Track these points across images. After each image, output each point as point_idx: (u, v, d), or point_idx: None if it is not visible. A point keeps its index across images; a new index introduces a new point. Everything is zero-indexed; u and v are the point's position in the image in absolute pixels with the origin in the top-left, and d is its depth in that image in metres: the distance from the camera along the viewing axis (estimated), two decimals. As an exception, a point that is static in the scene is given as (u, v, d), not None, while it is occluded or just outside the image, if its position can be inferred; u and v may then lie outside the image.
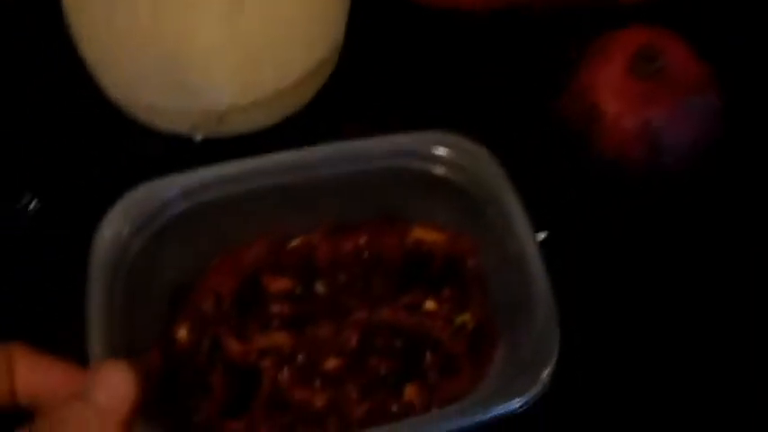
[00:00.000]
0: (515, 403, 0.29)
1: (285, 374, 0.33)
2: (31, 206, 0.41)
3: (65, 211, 0.41)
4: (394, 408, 0.33)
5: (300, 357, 0.34)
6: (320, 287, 0.37)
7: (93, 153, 0.43)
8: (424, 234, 0.39)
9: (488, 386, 0.33)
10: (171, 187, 0.33)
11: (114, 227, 0.32)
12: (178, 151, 0.42)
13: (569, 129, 0.40)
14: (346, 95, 0.45)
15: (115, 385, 0.26)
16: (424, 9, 0.47)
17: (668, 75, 0.35)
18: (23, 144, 0.44)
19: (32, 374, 0.27)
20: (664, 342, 0.38)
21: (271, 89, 0.40)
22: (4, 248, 0.40)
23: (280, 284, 0.36)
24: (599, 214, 0.41)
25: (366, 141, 0.36)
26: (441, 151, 0.36)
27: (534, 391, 0.29)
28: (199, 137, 0.42)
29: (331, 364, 0.34)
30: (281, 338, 0.35)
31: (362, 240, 0.38)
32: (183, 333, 0.35)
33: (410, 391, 0.34)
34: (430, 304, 0.37)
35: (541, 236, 0.36)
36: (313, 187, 0.36)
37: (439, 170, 0.36)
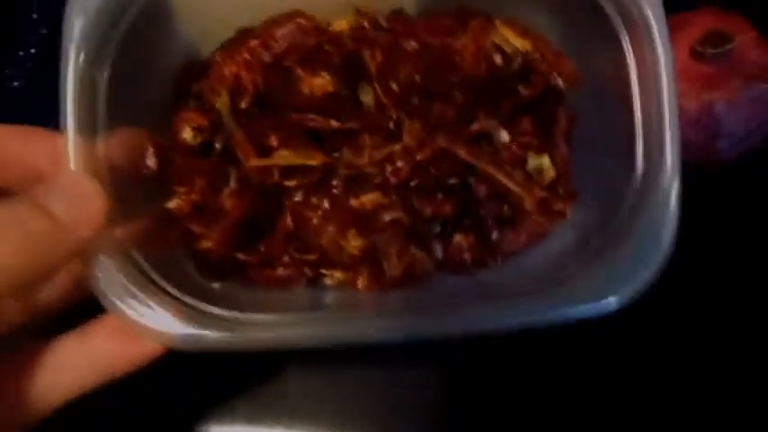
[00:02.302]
0: (610, 303, 0.23)
1: (311, 209, 0.27)
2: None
3: None
4: (439, 263, 0.27)
5: (334, 184, 0.27)
6: (366, 95, 0.28)
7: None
8: (512, 37, 0.29)
9: (556, 257, 0.27)
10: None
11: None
12: None
13: None
14: None
15: (80, 198, 0.21)
16: None
17: (735, 59, 0.34)
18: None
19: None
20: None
21: None
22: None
23: (317, 83, 0.28)
24: None
25: None
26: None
27: (634, 289, 0.23)
28: None
29: (370, 198, 0.27)
30: (311, 157, 0.27)
31: (428, 37, 0.29)
32: (187, 133, 0.27)
33: (461, 241, 0.28)
34: (503, 135, 0.29)
35: None
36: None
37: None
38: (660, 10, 0.24)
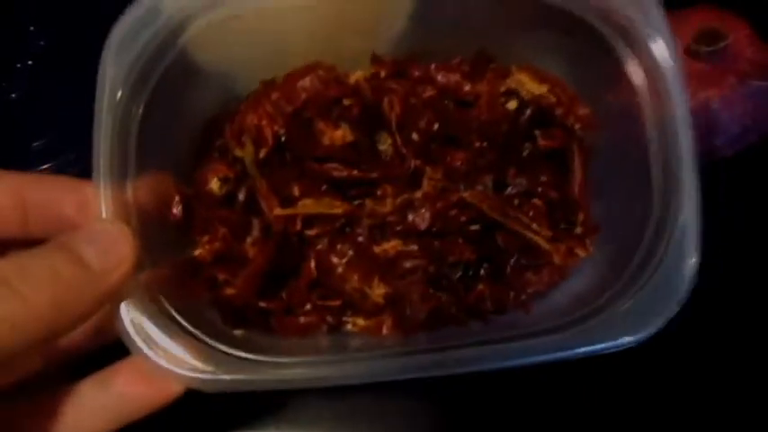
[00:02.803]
0: (625, 341, 0.23)
1: (337, 255, 0.27)
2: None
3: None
4: (461, 308, 0.27)
5: (358, 232, 0.28)
6: (385, 144, 0.29)
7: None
8: (528, 82, 0.30)
9: (576, 296, 0.27)
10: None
11: (133, 34, 0.24)
12: None
13: None
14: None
15: (110, 245, 0.22)
16: None
17: (730, 57, 0.34)
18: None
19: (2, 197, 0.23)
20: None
21: None
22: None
23: (337, 134, 0.29)
24: None
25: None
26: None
27: (652, 328, 0.23)
28: None
29: (392, 245, 0.28)
30: (334, 206, 0.28)
31: (445, 83, 0.30)
32: (214, 183, 0.28)
33: (482, 290, 0.28)
34: (520, 183, 0.29)
35: None
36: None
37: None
38: (672, 51, 0.24)
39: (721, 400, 0.31)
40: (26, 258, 0.20)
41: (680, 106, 0.24)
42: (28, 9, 0.40)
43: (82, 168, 0.35)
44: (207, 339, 0.23)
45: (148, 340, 0.22)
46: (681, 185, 0.23)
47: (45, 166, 0.37)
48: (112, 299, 0.22)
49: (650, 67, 0.25)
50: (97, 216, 0.23)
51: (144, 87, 0.24)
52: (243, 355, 0.23)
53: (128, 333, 0.22)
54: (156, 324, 0.22)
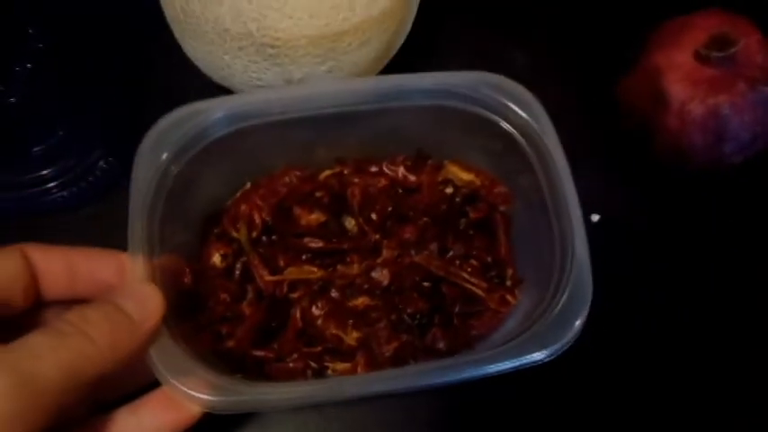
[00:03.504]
0: (541, 354, 0.29)
1: (318, 309, 0.34)
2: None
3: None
4: (420, 347, 0.34)
5: (333, 293, 0.35)
6: (350, 223, 0.37)
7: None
8: (458, 172, 0.38)
9: (510, 333, 0.34)
10: (214, 109, 0.32)
11: (156, 146, 0.31)
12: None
13: (633, 109, 0.40)
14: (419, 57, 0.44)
15: (146, 301, 0.27)
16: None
17: (740, 63, 0.34)
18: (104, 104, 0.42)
19: (54, 266, 0.29)
20: (697, 328, 0.38)
21: (353, 51, 0.37)
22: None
23: (312, 217, 0.36)
24: (653, 200, 0.41)
25: (408, 77, 0.35)
26: (485, 92, 0.34)
27: (562, 342, 0.30)
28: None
29: (361, 301, 0.34)
30: (312, 272, 0.35)
31: (393, 176, 0.38)
32: (216, 258, 0.35)
33: (436, 333, 0.35)
34: (458, 248, 0.37)
35: (595, 218, 0.36)
36: (350, 119, 0.35)
37: (480, 111, 0.35)
38: (556, 141, 0.33)
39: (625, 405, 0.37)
40: (84, 310, 0.26)
41: (565, 179, 0.32)
42: (26, 11, 0.40)
43: (81, 173, 0.39)
44: (215, 374, 0.29)
45: (172, 372, 0.28)
46: (573, 232, 0.31)
47: (45, 172, 0.38)
48: (149, 343, 0.28)
49: (542, 152, 0.33)
50: (134, 279, 0.29)
51: (164, 184, 0.32)
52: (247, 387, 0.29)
53: (156, 366, 0.28)
54: (177, 361, 0.28)
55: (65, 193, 0.40)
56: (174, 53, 0.40)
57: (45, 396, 0.23)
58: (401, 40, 0.40)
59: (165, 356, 0.28)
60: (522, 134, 0.34)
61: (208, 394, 0.27)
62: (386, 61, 0.40)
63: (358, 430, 0.35)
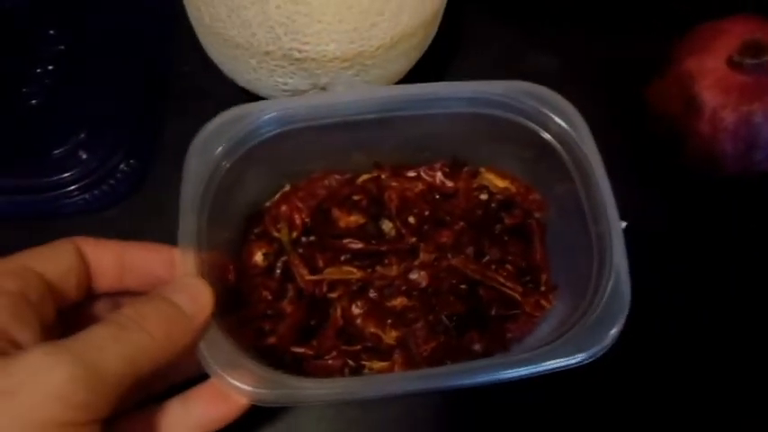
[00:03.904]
0: (578, 358, 0.30)
1: (357, 308, 0.35)
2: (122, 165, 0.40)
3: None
4: (456, 348, 0.35)
5: (371, 293, 0.35)
6: (387, 226, 0.38)
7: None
8: (493, 179, 0.39)
9: (545, 337, 0.34)
10: (263, 111, 0.33)
11: (209, 142, 0.32)
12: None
13: (662, 114, 0.40)
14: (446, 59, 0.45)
15: (197, 295, 0.28)
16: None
17: None
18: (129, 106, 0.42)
19: (105, 259, 0.30)
20: (722, 335, 0.39)
21: (380, 55, 0.37)
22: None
23: (350, 219, 0.37)
24: (683, 206, 0.42)
25: (446, 85, 0.36)
26: (524, 101, 0.35)
27: (600, 347, 0.30)
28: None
29: (399, 301, 0.35)
30: (351, 273, 0.36)
31: (431, 181, 0.39)
32: (258, 257, 0.36)
33: (472, 335, 0.35)
34: (494, 253, 0.37)
35: (622, 224, 0.37)
36: (388, 125, 0.36)
37: (519, 119, 0.35)
38: (594, 149, 0.34)
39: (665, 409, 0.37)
40: (140, 305, 0.27)
41: (604, 187, 0.33)
42: (47, 13, 0.40)
43: (102, 176, 0.38)
44: (262, 367, 0.30)
45: (221, 364, 0.28)
46: (611, 240, 0.32)
47: (66, 175, 0.37)
48: (200, 336, 0.28)
49: (580, 161, 0.34)
50: (185, 273, 0.30)
51: (215, 180, 0.32)
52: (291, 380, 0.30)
53: (206, 359, 0.28)
54: (225, 354, 0.29)
55: (86, 196, 0.40)
56: (196, 56, 0.41)
57: (109, 386, 0.24)
58: (428, 44, 0.41)
59: (214, 349, 0.28)
60: (560, 142, 0.35)
61: (255, 386, 0.28)
62: (412, 65, 0.41)
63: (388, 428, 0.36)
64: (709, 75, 0.38)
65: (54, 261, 0.28)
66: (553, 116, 0.34)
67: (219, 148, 0.33)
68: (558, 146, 0.35)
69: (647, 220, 0.41)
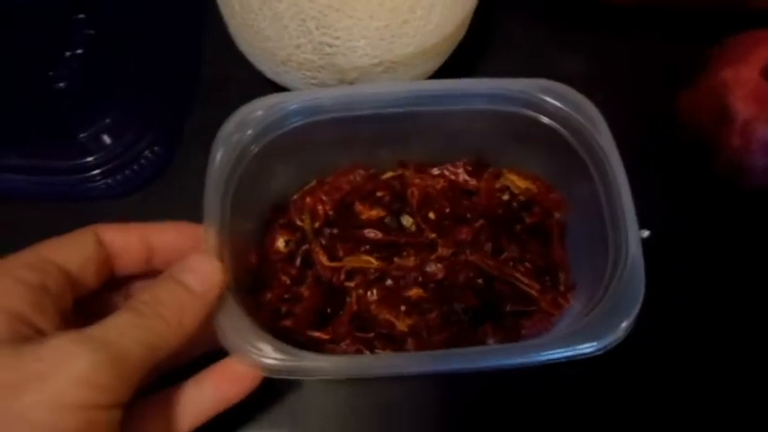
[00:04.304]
0: (591, 347, 0.30)
1: (373, 295, 0.35)
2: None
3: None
4: (470, 341, 0.35)
5: (388, 282, 0.36)
6: (407, 221, 0.38)
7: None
8: (516, 180, 0.39)
9: (562, 331, 0.34)
10: (291, 101, 0.34)
11: (238, 128, 0.34)
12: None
13: (693, 123, 0.40)
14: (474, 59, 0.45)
15: (207, 274, 0.29)
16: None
17: None
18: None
19: (132, 244, 0.31)
20: (745, 348, 0.38)
21: (409, 53, 0.38)
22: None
23: (372, 213, 0.38)
24: (708, 217, 0.41)
25: (470, 81, 0.37)
26: (545, 98, 0.35)
27: (612, 339, 0.30)
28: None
29: (415, 292, 0.36)
30: (369, 262, 0.36)
31: (454, 179, 0.40)
32: (280, 243, 0.37)
33: (486, 329, 0.35)
34: (512, 250, 0.38)
35: (645, 234, 0.37)
36: (412, 120, 0.37)
37: (540, 117, 0.36)
38: (614, 150, 0.34)
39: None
40: (155, 289, 0.28)
41: (623, 189, 0.33)
42: None
43: (126, 161, 0.39)
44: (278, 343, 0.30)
45: (240, 340, 0.29)
46: (627, 236, 0.32)
47: (90, 159, 0.37)
48: (212, 315, 0.29)
49: (600, 162, 0.34)
50: (204, 249, 0.31)
51: (241, 164, 0.34)
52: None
53: (222, 331, 0.29)
54: (243, 329, 0.30)
55: (109, 181, 0.40)
56: (225, 46, 0.41)
57: (131, 370, 0.25)
58: (457, 42, 0.42)
59: (232, 324, 0.30)
60: (580, 142, 0.35)
61: (273, 359, 0.29)
62: (440, 65, 0.42)
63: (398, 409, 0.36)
64: (744, 85, 0.38)
65: (74, 252, 0.29)
66: (575, 115, 0.35)
67: (247, 136, 0.34)
68: (578, 146, 0.35)
69: (671, 229, 0.41)
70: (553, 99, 0.35)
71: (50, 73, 0.39)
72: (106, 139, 0.39)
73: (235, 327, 0.30)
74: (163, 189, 0.42)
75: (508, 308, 0.36)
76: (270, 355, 0.29)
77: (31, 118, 0.40)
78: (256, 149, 0.35)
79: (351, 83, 0.39)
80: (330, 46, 0.37)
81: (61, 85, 0.39)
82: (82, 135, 0.39)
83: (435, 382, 0.36)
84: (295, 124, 0.35)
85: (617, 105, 0.37)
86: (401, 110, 0.36)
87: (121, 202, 0.41)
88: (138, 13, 0.43)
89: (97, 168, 0.40)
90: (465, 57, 0.44)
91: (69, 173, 0.40)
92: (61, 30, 0.40)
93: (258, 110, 0.34)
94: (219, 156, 0.33)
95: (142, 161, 0.41)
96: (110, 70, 0.40)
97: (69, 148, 0.39)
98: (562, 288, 0.37)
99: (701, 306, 0.39)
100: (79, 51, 0.39)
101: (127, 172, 0.41)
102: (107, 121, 0.39)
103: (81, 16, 0.40)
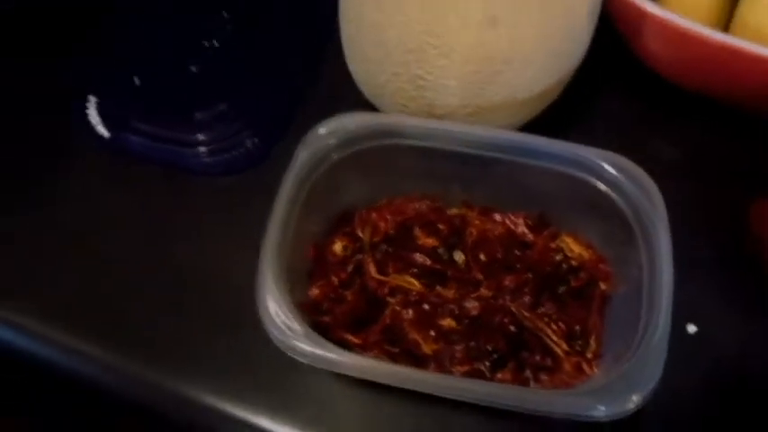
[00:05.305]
0: (600, 410, 0.31)
1: (408, 314, 0.38)
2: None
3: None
4: (488, 380, 0.36)
5: (425, 306, 0.38)
6: (458, 257, 0.40)
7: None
8: (571, 243, 0.41)
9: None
10: (378, 121, 0.38)
11: (321, 139, 0.38)
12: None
13: (761, 236, 0.40)
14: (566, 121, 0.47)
15: None
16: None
17: None
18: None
19: None
20: None
21: (497, 101, 0.41)
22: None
23: (428, 240, 0.41)
24: (761, 327, 0.41)
25: (548, 140, 0.39)
26: (609, 170, 0.37)
27: (620, 409, 0.31)
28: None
29: (447, 322, 0.38)
30: (413, 284, 0.39)
31: (513, 229, 0.42)
32: (338, 247, 0.40)
33: (505, 374, 0.37)
34: (549, 307, 0.39)
35: (691, 329, 0.38)
36: (484, 165, 0.39)
37: (601, 186, 0.38)
38: (666, 233, 0.35)
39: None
40: None
41: (666, 270, 0.34)
42: None
43: (229, 145, 0.44)
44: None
45: (276, 317, 0.33)
46: (659, 317, 0.33)
47: (200, 136, 0.42)
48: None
49: (651, 240, 0.35)
50: None
51: (314, 175, 0.38)
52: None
53: (264, 308, 0.33)
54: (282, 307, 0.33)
55: (210, 159, 0.45)
56: (338, 65, 0.46)
57: None
58: (551, 100, 0.44)
59: (274, 301, 0.33)
60: (637, 219, 0.37)
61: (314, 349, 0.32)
62: (530, 117, 0.44)
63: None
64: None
65: None
66: (636, 192, 0.36)
67: (332, 144, 0.38)
68: (633, 222, 0.37)
69: (719, 331, 0.41)
70: (620, 173, 0.37)
71: (187, 57, 0.45)
72: (217, 122, 0.45)
73: (276, 305, 0.33)
74: (253, 178, 0.47)
75: (531, 359, 0.37)
76: (301, 339, 0.32)
77: (164, 92, 0.47)
78: (337, 158, 0.38)
79: (438, 119, 0.42)
80: (423, 80, 0.40)
81: (193, 68, 0.45)
82: (198, 114, 0.45)
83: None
84: (378, 143, 0.39)
85: (689, 199, 0.38)
86: (478, 153, 0.39)
87: (218, 180, 0.46)
88: (274, 21, 0.49)
89: (202, 145, 0.45)
90: (557, 117, 0.46)
91: (181, 144, 0.46)
92: (205, 23, 0.47)
93: (349, 122, 0.38)
94: (303, 155, 0.37)
95: (242, 149, 0.46)
96: (236, 65, 0.46)
97: (186, 123, 0.45)
98: (590, 355, 0.38)
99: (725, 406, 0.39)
100: (216, 44, 0.45)
101: (225, 155, 0.46)
102: (222, 107, 0.45)
103: (224, 14, 0.46)
